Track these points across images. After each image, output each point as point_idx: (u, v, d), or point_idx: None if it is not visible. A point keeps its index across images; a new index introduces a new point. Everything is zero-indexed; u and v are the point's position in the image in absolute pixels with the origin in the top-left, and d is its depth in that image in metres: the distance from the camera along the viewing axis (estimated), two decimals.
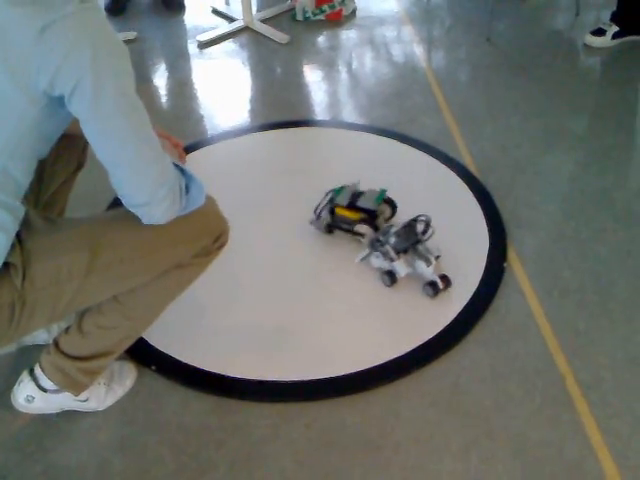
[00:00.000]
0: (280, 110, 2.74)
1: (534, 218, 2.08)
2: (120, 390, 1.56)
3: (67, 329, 1.40)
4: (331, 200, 2.01)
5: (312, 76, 3.00)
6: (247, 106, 2.80)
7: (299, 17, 3.43)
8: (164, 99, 2.91)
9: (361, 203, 1.96)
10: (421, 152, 2.38)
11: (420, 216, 1.87)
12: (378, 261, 1.84)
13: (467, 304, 1.76)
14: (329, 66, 3.05)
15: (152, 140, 1.13)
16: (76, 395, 1.43)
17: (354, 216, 1.94)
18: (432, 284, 1.78)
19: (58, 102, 1.04)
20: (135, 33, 3.27)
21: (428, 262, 1.78)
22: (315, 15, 3.42)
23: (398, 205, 2.02)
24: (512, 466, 1.41)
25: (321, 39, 3.31)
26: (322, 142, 2.54)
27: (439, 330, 1.69)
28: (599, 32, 3.04)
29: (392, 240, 1.80)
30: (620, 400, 1.53)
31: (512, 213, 2.10)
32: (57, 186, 1.58)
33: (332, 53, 3.16)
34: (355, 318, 1.76)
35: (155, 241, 1.25)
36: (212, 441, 1.48)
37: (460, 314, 1.73)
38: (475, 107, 2.70)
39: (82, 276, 1.18)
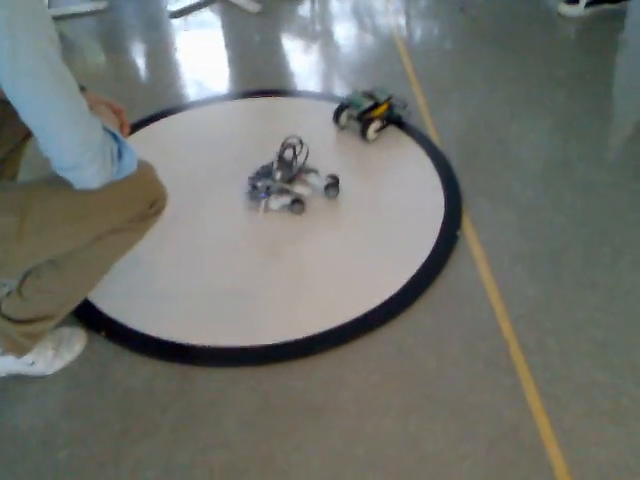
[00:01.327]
0: (250, 79, 2.73)
1: (493, 187, 2.09)
2: (69, 355, 1.58)
3: (9, 293, 1.41)
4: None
5: (283, 46, 2.98)
6: (218, 75, 2.78)
7: None
8: (135, 68, 2.89)
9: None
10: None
11: (287, 145, 2.04)
12: (277, 202, 1.98)
13: (417, 272, 1.77)
14: (300, 36, 3.03)
15: (77, 102, 1.13)
16: (18, 357, 1.45)
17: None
18: (330, 185, 2.02)
19: None
20: (106, 2, 3.21)
21: (316, 172, 2.02)
22: None
23: (356, 173, 2.03)
24: (449, 428, 1.43)
25: (293, 8, 3.28)
26: (288, 111, 2.53)
27: (387, 297, 1.71)
28: (573, 1, 3.02)
29: (278, 175, 1.96)
30: (562, 366, 1.55)
31: (471, 182, 2.10)
32: (4, 154, 1.57)
33: (303, 22, 3.14)
34: (303, 285, 1.77)
35: (86, 206, 1.25)
36: (158, 404, 1.50)
37: (409, 281, 1.75)
38: (443, 77, 2.68)
39: (12, 240, 1.18)
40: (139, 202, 1.32)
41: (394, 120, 2.34)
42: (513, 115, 2.43)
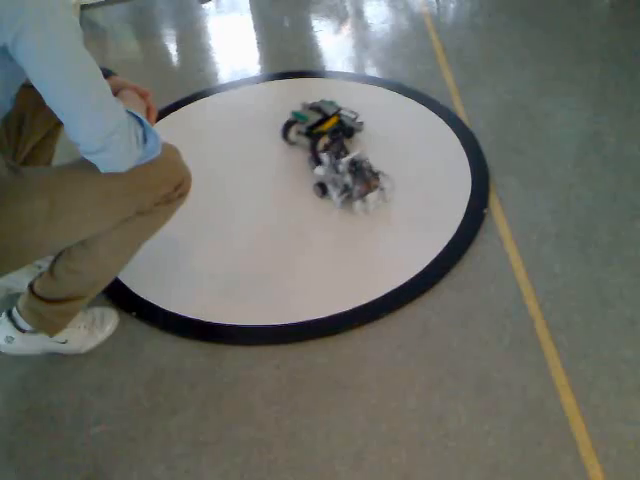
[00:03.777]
0: (279, 61, 2.74)
1: (521, 164, 2.06)
2: (100, 335, 1.63)
3: (41, 273, 1.46)
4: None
5: (310, 26, 2.97)
6: (246, 58, 2.81)
7: None
8: (166, 53, 2.93)
9: None
10: (411, 100, 2.36)
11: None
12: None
13: (443, 250, 1.77)
14: (327, 16, 3.02)
15: (101, 86, 1.15)
16: (50, 336, 1.50)
17: None
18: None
19: (2, 53, 1.07)
20: None
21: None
22: None
23: (383, 152, 2.03)
24: (474, 404, 1.43)
25: None
26: (319, 92, 2.52)
27: (412, 275, 1.71)
28: None
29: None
30: (589, 342, 1.53)
31: (499, 159, 2.08)
32: (38, 139, 1.61)
33: (331, 3, 3.13)
34: (328, 264, 1.79)
35: (113, 189, 1.28)
36: (186, 382, 1.54)
37: (435, 260, 1.74)
38: (472, 54, 2.65)
39: (43, 222, 1.22)
40: (164, 185, 1.35)
41: (346, 133, 2.17)
42: (543, 91, 2.39)
